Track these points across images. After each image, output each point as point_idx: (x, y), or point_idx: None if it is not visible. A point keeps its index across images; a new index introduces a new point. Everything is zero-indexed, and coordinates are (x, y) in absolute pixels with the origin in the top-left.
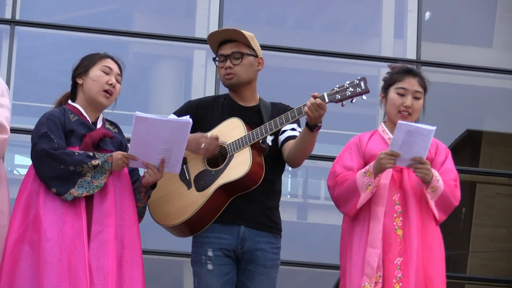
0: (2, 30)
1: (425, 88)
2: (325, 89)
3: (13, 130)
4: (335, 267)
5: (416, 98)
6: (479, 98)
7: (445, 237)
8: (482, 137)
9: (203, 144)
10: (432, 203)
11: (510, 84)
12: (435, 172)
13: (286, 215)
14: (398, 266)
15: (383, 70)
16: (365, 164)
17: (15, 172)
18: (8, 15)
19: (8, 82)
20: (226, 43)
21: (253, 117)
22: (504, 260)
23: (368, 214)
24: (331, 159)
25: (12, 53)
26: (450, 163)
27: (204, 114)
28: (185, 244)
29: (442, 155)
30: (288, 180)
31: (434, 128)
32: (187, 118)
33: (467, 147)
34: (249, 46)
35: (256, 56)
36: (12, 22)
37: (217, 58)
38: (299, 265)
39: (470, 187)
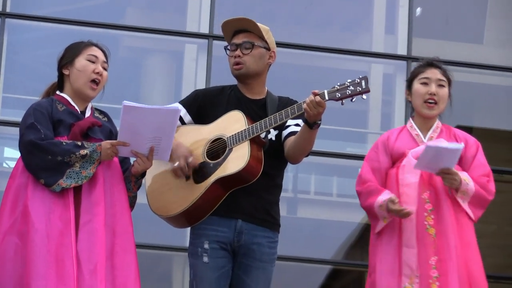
0: None
1: (448, 79)
2: (316, 84)
3: (3, 123)
4: (325, 262)
5: (441, 86)
6: (469, 94)
7: None
8: (472, 133)
9: (176, 163)
10: (465, 205)
11: (500, 81)
12: (463, 175)
13: None
14: (434, 266)
15: (374, 65)
16: (394, 163)
17: (4, 165)
18: None
19: None
20: (239, 33)
21: (258, 110)
22: (494, 256)
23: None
24: (321, 154)
25: (2, 46)
26: (481, 157)
27: (210, 103)
28: (175, 238)
29: (473, 149)
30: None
31: (462, 146)
32: (175, 106)
33: None
34: (262, 38)
35: (268, 49)
36: (3, 15)
37: (228, 47)
38: (288, 260)
39: None
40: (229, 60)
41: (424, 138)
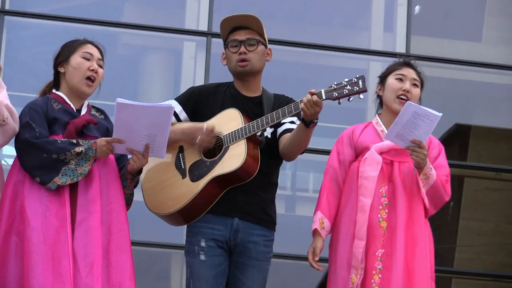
0: None
1: (421, 81)
2: (314, 82)
3: None
4: (323, 260)
5: (415, 85)
6: (468, 92)
7: (432, 231)
8: (470, 131)
9: (198, 137)
10: (423, 191)
11: (499, 79)
12: (429, 161)
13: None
14: (379, 258)
15: (373, 63)
16: (357, 156)
17: (3, 162)
18: None
19: None
20: (239, 29)
21: (254, 108)
22: (492, 254)
23: (356, 205)
24: (320, 152)
25: (1, 43)
26: (443, 159)
27: (206, 101)
28: (173, 235)
29: (436, 150)
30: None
31: (440, 114)
32: (169, 103)
33: (456, 141)
34: (262, 35)
35: (267, 47)
36: (2, 12)
37: (229, 44)
38: (287, 258)
39: (458, 181)
40: (230, 56)
41: None
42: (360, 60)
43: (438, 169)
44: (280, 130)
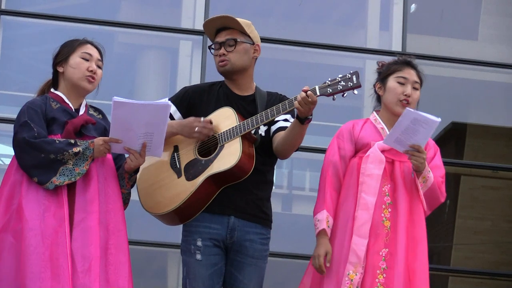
0: None
1: (421, 81)
2: (310, 81)
3: None
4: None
5: (415, 89)
6: (464, 90)
7: (428, 229)
8: (466, 129)
9: (196, 128)
10: (421, 193)
11: (495, 77)
12: (426, 164)
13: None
14: (383, 257)
15: (369, 62)
16: (356, 152)
17: (0, 162)
18: None
19: None
20: (221, 30)
21: (248, 106)
22: (488, 252)
23: (354, 202)
24: (316, 150)
25: None
26: (438, 160)
27: (200, 100)
28: (170, 234)
29: (431, 152)
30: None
31: (439, 119)
32: (166, 101)
33: (452, 140)
34: (244, 33)
35: (252, 43)
36: None
37: (213, 46)
38: (283, 256)
39: (455, 179)
40: (214, 58)
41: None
42: (356, 59)
43: (434, 170)
44: (273, 128)
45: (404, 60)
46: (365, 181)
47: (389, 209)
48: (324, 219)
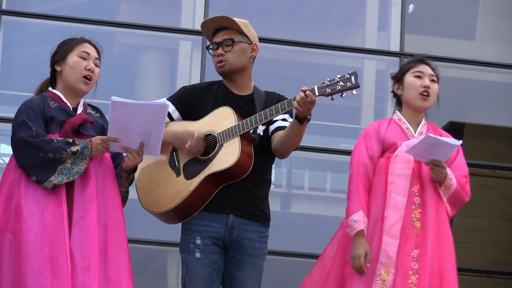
0: None
1: (437, 76)
2: (309, 81)
3: None
4: (318, 257)
5: (433, 81)
6: (462, 90)
7: None
8: (464, 129)
9: (187, 144)
10: (444, 199)
11: (493, 77)
12: (448, 170)
13: (270, 205)
14: (415, 258)
15: (367, 62)
16: (383, 152)
17: (0, 161)
18: None
19: None
20: (219, 31)
21: (246, 106)
22: (486, 251)
23: (383, 202)
24: (315, 149)
25: None
26: (461, 159)
27: (198, 100)
28: (170, 233)
29: (454, 152)
30: (272, 170)
31: (460, 142)
32: (164, 101)
33: None
34: (241, 33)
35: (249, 42)
36: None
37: (210, 46)
38: (282, 255)
39: None
40: (212, 59)
41: (415, 132)
42: (355, 59)
43: (457, 170)
44: (272, 127)
45: (417, 58)
46: (394, 181)
47: (419, 210)
48: (361, 220)
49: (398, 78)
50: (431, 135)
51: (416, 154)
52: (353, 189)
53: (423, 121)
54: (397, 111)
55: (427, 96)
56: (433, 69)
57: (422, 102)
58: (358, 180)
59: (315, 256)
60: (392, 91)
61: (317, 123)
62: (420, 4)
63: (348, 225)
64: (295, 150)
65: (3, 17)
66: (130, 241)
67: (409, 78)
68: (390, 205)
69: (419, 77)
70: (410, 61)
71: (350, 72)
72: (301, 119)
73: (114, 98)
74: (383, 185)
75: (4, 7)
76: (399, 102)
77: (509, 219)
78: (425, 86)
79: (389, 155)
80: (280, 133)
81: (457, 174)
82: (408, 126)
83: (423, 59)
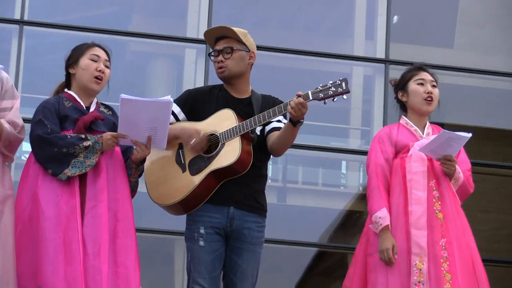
0: (12, 29)
1: (436, 81)
2: (304, 85)
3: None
4: (311, 245)
5: (434, 86)
6: (441, 94)
7: None
8: (443, 128)
9: (193, 140)
10: (454, 192)
11: (469, 82)
12: (456, 164)
13: (267, 197)
14: (444, 247)
15: (355, 68)
16: (396, 153)
17: (22, 158)
18: (17, 16)
19: (17, 77)
20: (220, 39)
21: (245, 108)
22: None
23: (403, 198)
24: (308, 147)
25: (21, 50)
26: (464, 155)
27: (201, 102)
28: (176, 223)
29: None
30: (269, 167)
31: (470, 135)
32: (168, 98)
33: None
34: (240, 41)
35: (248, 50)
36: (21, 22)
37: (212, 53)
38: (279, 243)
39: None
40: (213, 65)
41: (422, 133)
42: (344, 65)
43: (462, 164)
44: (268, 128)
45: (416, 66)
46: (413, 179)
47: (439, 202)
48: (386, 216)
49: (402, 86)
50: (445, 130)
51: (431, 150)
52: (374, 188)
53: (428, 123)
54: (403, 116)
55: (431, 101)
56: (431, 75)
57: (427, 107)
58: (378, 181)
59: (308, 244)
60: (396, 97)
61: (309, 123)
62: (403, 15)
63: (372, 222)
64: (290, 148)
65: (25, 27)
66: (141, 230)
67: (412, 86)
68: (412, 200)
69: (421, 84)
70: (410, 69)
71: (341, 78)
72: (295, 123)
73: (123, 96)
74: (401, 183)
75: (26, 18)
76: (403, 107)
77: (484, 211)
78: (428, 92)
79: (403, 156)
80: (275, 133)
81: (462, 169)
82: (416, 128)
83: (422, 67)
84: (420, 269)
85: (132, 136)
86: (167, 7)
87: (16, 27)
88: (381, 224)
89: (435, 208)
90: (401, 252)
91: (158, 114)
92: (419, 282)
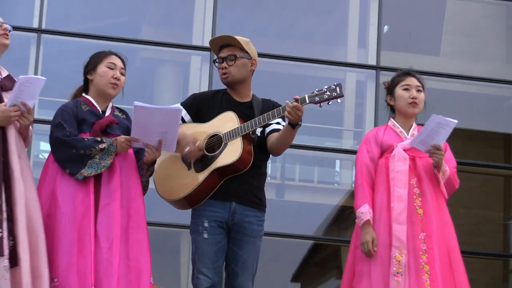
0: (30, 37)
1: (423, 85)
2: (302, 89)
3: (39, 121)
4: (307, 238)
5: (419, 91)
6: (427, 98)
7: None
8: None
9: (187, 148)
10: (442, 184)
11: (454, 87)
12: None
13: (266, 194)
14: (423, 240)
15: (349, 73)
16: (382, 153)
17: (40, 156)
18: (35, 25)
19: None
20: (224, 47)
21: (246, 111)
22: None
23: (386, 195)
24: (304, 147)
25: (39, 57)
26: (449, 154)
27: (206, 105)
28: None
29: (444, 146)
30: (269, 165)
31: (456, 121)
32: (177, 106)
33: None
34: (243, 49)
35: (249, 58)
36: (39, 31)
37: (216, 60)
38: (277, 236)
39: None
40: (218, 71)
41: (407, 135)
42: (338, 71)
43: (448, 162)
44: (268, 129)
45: (404, 72)
46: (395, 177)
47: (420, 199)
48: (367, 211)
49: (390, 91)
50: (436, 115)
51: (421, 141)
52: (358, 186)
53: (414, 125)
54: (391, 118)
55: (416, 104)
56: (418, 79)
57: (412, 109)
58: (363, 179)
59: (304, 237)
60: (386, 101)
61: (305, 125)
62: (393, 25)
63: (356, 217)
64: (288, 148)
65: (43, 35)
66: (149, 224)
67: (399, 91)
68: (394, 197)
69: (407, 89)
70: (398, 74)
71: (335, 83)
72: (294, 125)
73: (137, 103)
74: (385, 181)
75: (43, 27)
76: (392, 110)
77: (467, 207)
78: (412, 98)
79: (387, 155)
80: (275, 134)
81: (448, 166)
82: (401, 130)
83: (409, 72)
84: (399, 261)
85: (144, 140)
86: (174, 17)
87: (34, 35)
88: (362, 219)
89: (415, 204)
90: (384, 245)
91: (168, 120)
92: (397, 273)
